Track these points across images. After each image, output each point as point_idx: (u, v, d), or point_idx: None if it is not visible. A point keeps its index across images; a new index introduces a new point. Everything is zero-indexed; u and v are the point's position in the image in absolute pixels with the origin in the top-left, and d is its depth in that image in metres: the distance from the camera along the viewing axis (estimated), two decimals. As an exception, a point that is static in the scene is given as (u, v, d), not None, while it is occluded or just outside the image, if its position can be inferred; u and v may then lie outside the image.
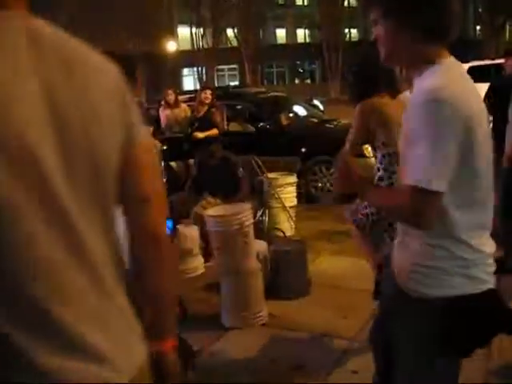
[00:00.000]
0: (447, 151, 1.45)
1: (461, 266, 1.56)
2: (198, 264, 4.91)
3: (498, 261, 4.20)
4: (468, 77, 1.64)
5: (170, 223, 3.92)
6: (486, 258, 1.61)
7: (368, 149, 6.93)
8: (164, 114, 8.17)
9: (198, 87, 32.20)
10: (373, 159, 6.74)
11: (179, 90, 11.12)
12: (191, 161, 6.70)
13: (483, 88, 5.16)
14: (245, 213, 3.79)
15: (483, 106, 1.60)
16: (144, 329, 1.13)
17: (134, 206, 1.13)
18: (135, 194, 1.12)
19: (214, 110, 7.11)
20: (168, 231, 1.29)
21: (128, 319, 1.10)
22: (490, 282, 1.60)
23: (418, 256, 1.59)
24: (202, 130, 6.81)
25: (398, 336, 1.70)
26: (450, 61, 1.60)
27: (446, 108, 1.45)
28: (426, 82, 1.53)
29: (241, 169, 5.16)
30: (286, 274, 4.07)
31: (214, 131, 6.78)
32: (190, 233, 4.92)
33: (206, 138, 6.63)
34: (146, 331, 1.14)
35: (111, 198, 1.07)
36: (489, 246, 1.63)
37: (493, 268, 1.63)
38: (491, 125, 4.98)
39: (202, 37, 33.95)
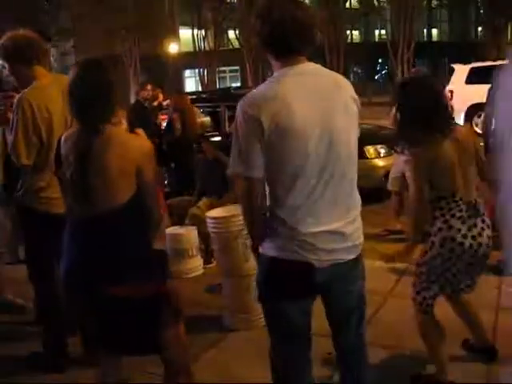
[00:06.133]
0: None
1: None
2: (196, 265, 4.92)
3: (499, 262, 4.15)
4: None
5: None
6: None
7: (370, 150, 6.86)
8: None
9: (199, 89, 32.24)
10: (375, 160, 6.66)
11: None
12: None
13: (486, 89, 5.13)
14: (246, 214, 3.79)
15: None
16: None
17: None
18: None
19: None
20: None
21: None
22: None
23: None
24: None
25: None
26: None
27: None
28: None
29: None
30: (287, 276, 4.06)
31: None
32: (188, 233, 4.91)
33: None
34: None
35: None
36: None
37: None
38: (493, 126, 4.97)
39: (204, 38, 33.97)
